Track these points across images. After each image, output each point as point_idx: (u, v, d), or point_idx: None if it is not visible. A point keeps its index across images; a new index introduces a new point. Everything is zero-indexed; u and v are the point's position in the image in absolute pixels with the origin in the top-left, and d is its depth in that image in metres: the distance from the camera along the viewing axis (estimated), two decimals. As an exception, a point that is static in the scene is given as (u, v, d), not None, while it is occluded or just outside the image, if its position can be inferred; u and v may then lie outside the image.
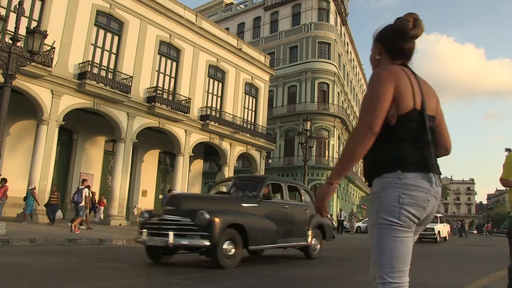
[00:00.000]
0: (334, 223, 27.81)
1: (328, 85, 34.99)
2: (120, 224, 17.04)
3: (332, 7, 36.60)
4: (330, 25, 36.06)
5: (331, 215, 29.47)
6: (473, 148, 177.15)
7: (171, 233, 5.97)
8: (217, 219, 6.04)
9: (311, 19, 35.87)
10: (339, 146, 35.03)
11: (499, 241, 24.29)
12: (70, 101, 16.17)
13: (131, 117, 18.30)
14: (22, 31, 11.27)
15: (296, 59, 35.92)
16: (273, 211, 7.37)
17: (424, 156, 1.70)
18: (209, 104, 22.56)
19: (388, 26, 1.87)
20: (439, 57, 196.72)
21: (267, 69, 27.34)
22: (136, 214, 18.10)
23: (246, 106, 25.68)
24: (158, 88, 19.46)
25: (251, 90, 26.14)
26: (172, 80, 20.72)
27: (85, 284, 4.59)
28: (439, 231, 18.59)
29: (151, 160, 22.24)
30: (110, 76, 17.58)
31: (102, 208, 17.38)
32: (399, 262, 1.66)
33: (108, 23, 17.93)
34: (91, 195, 14.13)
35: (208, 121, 21.50)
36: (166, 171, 23.62)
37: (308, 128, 22.05)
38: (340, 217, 25.96)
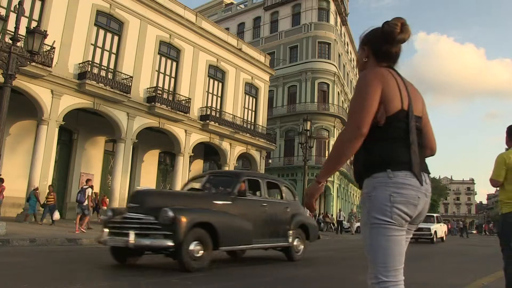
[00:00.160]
0: (334, 223, 27.86)
1: (328, 85, 34.99)
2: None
3: (332, 7, 36.59)
4: (330, 25, 36.05)
5: (331, 215, 29.47)
6: (473, 148, 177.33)
7: (132, 233, 5.49)
8: (182, 217, 5.55)
9: (311, 19, 35.86)
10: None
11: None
12: (70, 101, 16.17)
13: (131, 117, 18.30)
14: (22, 31, 11.26)
15: (296, 59, 35.91)
16: (249, 209, 6.88)
17: (412, 155, 1.72)
18: (209, 104, 22.56)
19: (376, 30, 1.88)
20: (439, 57, 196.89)
21: (267, 69, 27.34)
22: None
23: (246, 106, 25.68)
24: (158, 88, 19.46)
25: (251, 90, 26.14)
26: (172, 80, 20.72)
27: (85, 284, 4.59)
28: (435, 231, 18.27)
29: (151, 160, 22.24)
30: (110, 76, 17.58)
31: (105, 208, 17.36)
32: (393, 261, 1.67)
33: (108, 23, 17.93)
34: (94, 196, 14.11)
35: (208, 121, 21.50)
36: (166, 171, 23.62)
37: (308, 128, 22.05)
38: (339, 217, 25.95)
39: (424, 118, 1.90)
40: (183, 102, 20.34)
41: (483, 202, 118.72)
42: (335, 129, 34.22)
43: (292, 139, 33.89)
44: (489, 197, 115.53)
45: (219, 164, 24.34)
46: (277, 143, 30.79)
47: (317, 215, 27.67)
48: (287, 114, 34.77)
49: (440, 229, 19.54)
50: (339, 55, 38.39)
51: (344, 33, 41.76)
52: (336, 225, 26.64)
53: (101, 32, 17.68)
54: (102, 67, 17.56)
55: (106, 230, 6.01)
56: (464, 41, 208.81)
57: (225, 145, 23.27)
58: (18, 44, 10.00)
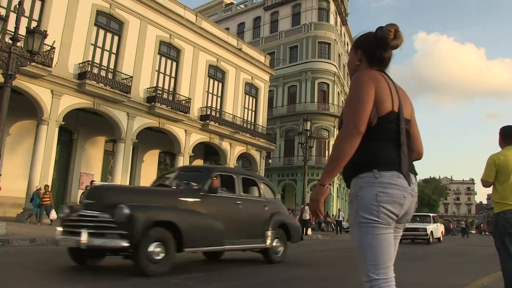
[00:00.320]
0: (334, 223, 27.85)
1: (328, 85, 35.00)
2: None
3: (332, 7, 36.60)
4: (330, 25, 36.05)
5: (332, 215, 29.45)
6: (473, 148, 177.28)
7: (84, 232, 5.01)
8: (139, 215, 5.07)
9: (311, 19, 35.86)
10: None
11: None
12: (70, 101, 16.17)
13: (131, 117, 18.30)
14: (22, 31, 11.27)
15: (296, 59, 35.91)
16: (221, 207, 6.38)
17: (400, 156, 1.76)
18: (209, 104, 22.56)
19: (369, 34, 1.92)
20: (439, 57, 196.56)
21: (267, 69, 27.34)
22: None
23: (246, 106, 25.68)
24: (158, 88, 19.46)
25: (251, 90, 26.14)
26: (172, 80, 20.72)
27: (87, 284, 4.59)
28: (431, 232, 17.77)
29: (151, 160, 22.24)
30: (110, 76, 17.58)
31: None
32: (382, 259, 1.71)
33: (108, 23, 17.93)
34: None
35: (208, 121, 21.50)
36: (166, 171, 23.62)
37: (308, 128, 22.08)
38: (339, 217, 25.95)
39: (413, 122, 1.96)
40: (183, 102, 20.34)
41: (483, 202, 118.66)
42: (335, 129, 34.21)
43: (292, 139, 33.90)
44: (489, 197, 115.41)
45: (219, 164, 24.33)
46: (277, 143, 30.80)
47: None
48: (287, 114, 34.77)
49: (436, 229, 19.07)
50: (339, 55, 38.39)
51: (344, 33, 41.77)
52: (335, 225, 26.65)
53: (101, 32, 17.68)
54: (102, 67, 17.56)
55: (60, 229, 5.59)
56: (464, 41, 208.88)
57: (225, 145, 23.27)
58: (18, 44, 10.01)
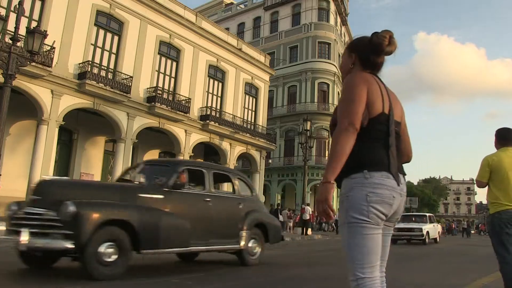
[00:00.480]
0: (334, 223, 27.84)
1: (328, 85, 35.01)
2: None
3: (332, 7, 36.60)
4: (330, 25, 36.06)
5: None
6: (473, 148, 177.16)
7: (24, 231, 4.53)
8: (87, 213, 4.60)
9: (311, 19, 35.86)
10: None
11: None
12: (70, 101, 16.17)
13: (131, 117, 18.31)
14: (22, 31, 11.27)
15: (296, 59, 35.91)
16: (188, 205, 5.86)
17: (390, 157, 1.82)
18: (209, 104, 22.56)
19: (364, 38, 1.98)
20: (439, 57, 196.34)
21: (267, 69, 27.35)
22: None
23: (246, 106, 25.69)
24: (158, 88, 19.47)
25: (251, 90, 26.14)
26: (172, 80, 20.73)
27: (86, 284, 4.59)
28: (427, 232, 17.18)
29: (151, 160, 22.22)
30: (110, 76, 17.59)
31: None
32: (369, 258, 1.75)
33: (108, 23, 17.94)
34: None
35: (208, 121, 21.50)
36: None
37: (308, 128, 22.08)
38: (337, 217, 25.92)
39: (402, 125, 2.01)
40: (183, 102, 20.35)
41: (483, 202, 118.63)
42: (335, 129, 34.17)
43: (292, 139, 33.90)
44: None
45: (219, 164, 24.34)
46: (277, 143, 30.80)
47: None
48: (287, 114, 34.77)
49: (433, 229, 18.45)
50: (339, 55, 38.35)
51: (344, 33, 41.76)
52: (334, 225, 26.65)
53: (101, 32, 17.68)
54: (102, 67, 17.56)
55: (2, 228, 5.16)
56: (464, 41, 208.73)
57: (225, 145, 23.28)
58: (18, 44, 10.02)
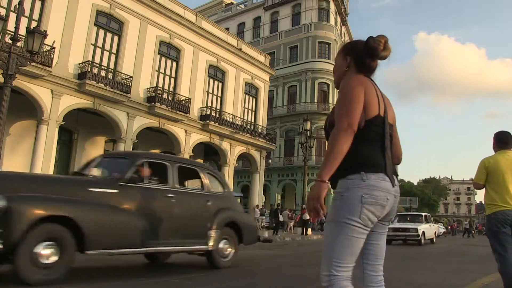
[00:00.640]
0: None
1: (328, 85, 35.00)
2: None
3: (332, 7, 36.61)
4: (330, 25, 36.06)
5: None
6: (473, 148, 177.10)
7: None
8: (19, 208, 4.08)
9: (311, 19, 35.87)
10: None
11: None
12: (70, 101, 16.18)
13: (131, 117, 18.31)
14: (22, 31, 11.27)
15: (296, 59, 35.93)
16: (146, 201, 5.35)
17: (385, 159, 1.87)
18: (209, 104, 22.57)
19: (359, 42, 2.01)
20: (439, 57, 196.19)
21: (267, 69, 27.35)
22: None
23: (246, 106, 25.69)
24: (158, 88, 19.47)
25: (251, 90, 26.15)
26: (172, 80, 20.73)
27: (85, 284, 4.59)
28: (423, 232, 16.53)
29: (151, 160, 22.21)
30: (110, 76, 17.59)
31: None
32: (347, 259, 1.79)
33: (108, 23, 17.94)
34: None
35: (208, 121, 21.51)
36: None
37: (308, 128, 22.08)
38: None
39: (394, 127, 2.05)
40: (183, 102, 20.35)
41: (483, 202, 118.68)
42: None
43: (292, 139, 33.91)
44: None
45: (219, 164, 24.34)
46: (277, 143, 30.81)
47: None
48: (287, 114, 34.79)
49: (429, 229, 17.79)
50: (339, 55, 38.35)
51: (344, 33, 41.77)
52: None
53: (101, 32, 17.69)
54: (102, 67, 17.57)
55: None
56: (465, 41, 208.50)
57: (225, 145, 23.28)
58: (18, 44, 10.01)
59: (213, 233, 5.98)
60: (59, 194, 4.61)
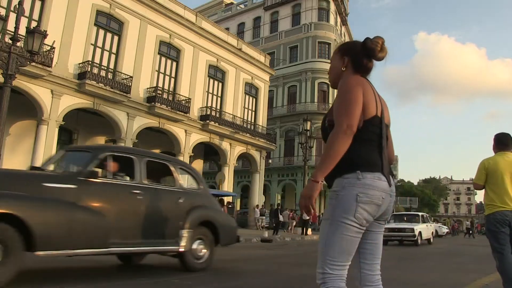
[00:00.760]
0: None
1: (328, 85, 34.96)
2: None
3: (332, 7, 36.61)
4: (330, 25, 36.07)
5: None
6: (473, 148, 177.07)
7: None
8: None
9: (311, 19, 35.88)
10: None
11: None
12: (70, 101, 16.18)
13: (131, 117, 18.31)
14: (22, 31, 11.27)
15: (296, 59, 35.93)
16: (108, 197, 4.92)
17: (381, 158, 1.88)
18: (209, 104, 22.57)
19: (356, 43, 2.03)
20: (440, 57, 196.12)
21: (267, 69, 27.36)
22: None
23: (246, 106, 25.69)
24: (158, 88, 19.47)
25: (251, 90, 26.15)
26: (172, 80, 20.73)
27: (84, 284, 4.59)
28: (420, 232, 15.99)
29: (151, 160, 22.21)
30: (110, 76, 17.60)
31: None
32: (342, 258, 1.81)
33: (108, 23, 17.94)
34: None
35: (208, 121, 21.51)
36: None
37: (308, 128, 22.07)
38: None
39: (388, 128, 2.06)
40: (183, 102, 20.35)
41: (483, 203, 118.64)
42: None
43: (292, 139, 33.92)
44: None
45: (219, 164, 24.35)
46: (277, 143, 30.81)
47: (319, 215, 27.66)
48: (287, 114, 34.80)
49: (426, 229, 17.19)
50: (339, 55, 38.35)
51: (344, 33, 41.78)
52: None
53: (101, 32, 17.69)
54: (102, 67, 17.57)
55: None
56: (465, 41, 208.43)
57: (225, 145, 23.28)
58: (18, 44, 10.01)
59: (185, 233, 5.54)
60: (7, 189, 4.16)
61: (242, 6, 42.12)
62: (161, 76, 20.20)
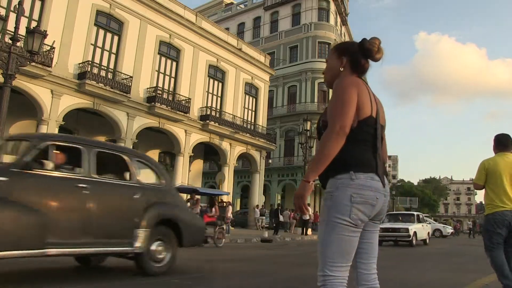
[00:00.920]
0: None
1: (328, 85, 35.03)
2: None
3: (332, 7, 36.61)
4: (330, 25, 36.07)
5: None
6: (474, 148, 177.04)
7: None
8: None
9: (311, 19, 35.88)
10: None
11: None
12: (70, 101, 16.18)
13: (131, 117, 18.31)
14: (22, 31, 11.26)
15: (296, 59, 35.93)
16: (47, 192, 4.38)
17: (375, 159, 1.89)
18: (209, 104, 22.57)
19: (354, 43, 2.05)
20: (440, 57, 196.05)
21: (267, 69, 27.36)
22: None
23: (246, 106, 25.69)
24: (158, 88, 19.48)
25: (251, 90, 26.15)
26: (172, 80, 20.73)
27: (86, 284, 4.59)
28: (415, 232, 15.45)
29: (151, 160, 22.19)
30: (110, 76, 17.60)
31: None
32: (341, 258, 1.81)
33: (108, 23, 17.94)
34: None
35: (208, 121, 21.51)
36: (166, 171, 23.58)
37: (308, 128, 22.09)
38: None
39: (383, 129, 2.06)
40: (183, 102, 20.35)
41: (483, 202, 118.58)
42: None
43: (292, 139, 33.91)
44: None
45: (219, 164, 24.34)
46: (277, 143, 30.80)
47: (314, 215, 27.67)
48: (287, 114, 34.79)
49: (421, 230, 16.58)
50: (339, 55, 38.34)
51: (344, 33, 41.77)
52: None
53: (101, 32, 17.69)
54: (102, 67, 17.57)
55: None
56: (465, 41, 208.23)
57: (225, 145, 23.28)
58: (18, 44, 10.00)
59: (141, 232, 4.96)
60: None
61: (242, 6, 42.11)
62: (161, 76, 20.20)
